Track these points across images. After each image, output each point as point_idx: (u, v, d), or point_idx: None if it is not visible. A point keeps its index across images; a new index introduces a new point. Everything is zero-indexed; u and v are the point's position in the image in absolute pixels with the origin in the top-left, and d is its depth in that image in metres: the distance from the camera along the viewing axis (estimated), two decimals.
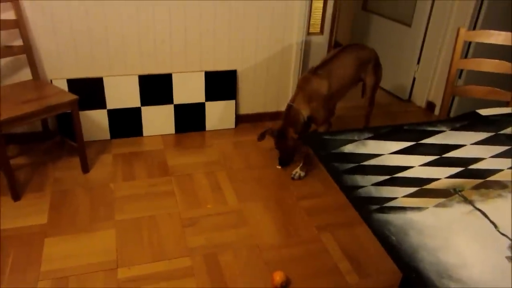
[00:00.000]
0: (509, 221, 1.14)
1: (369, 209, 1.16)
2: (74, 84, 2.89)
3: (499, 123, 1.67)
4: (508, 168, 1.38)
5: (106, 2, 2.75)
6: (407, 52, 4.03)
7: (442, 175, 1.33)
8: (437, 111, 3.87)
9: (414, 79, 4.07)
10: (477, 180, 1.32)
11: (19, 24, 2.57)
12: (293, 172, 2.82)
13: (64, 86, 2.87)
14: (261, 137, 2.80)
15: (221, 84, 3.23)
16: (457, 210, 1.18)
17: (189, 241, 2.23)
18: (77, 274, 2.00)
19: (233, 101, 3.32)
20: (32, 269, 2.00)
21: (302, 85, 2.70)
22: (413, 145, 1.48)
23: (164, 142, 3.15)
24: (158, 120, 3.19)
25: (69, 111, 2.50)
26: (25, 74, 2.77)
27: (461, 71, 3.54)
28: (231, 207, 2.51)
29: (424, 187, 1.27)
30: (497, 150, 1.48)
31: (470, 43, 3.42)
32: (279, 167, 2.92)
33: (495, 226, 1.13)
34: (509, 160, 1.43)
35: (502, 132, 1.61)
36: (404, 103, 4.12)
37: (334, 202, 2.60)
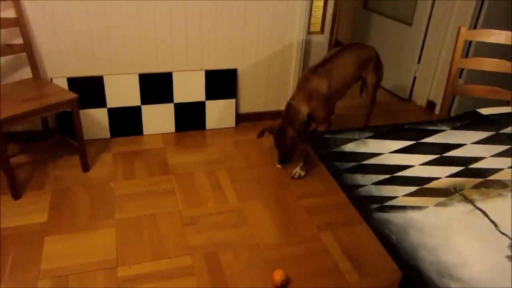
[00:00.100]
0: (509, 220, 1.14)
1: (369, 208, 1.16)
2: (74, 83, 2.89)
3: (500, 122, 1.67)
4: (508, 167, 1.38)
5: (107, 2, 2.75)
6: (408, 51, 4.03)
7: (442, 174, 1.33)
8: (437, 110, 3.87)
9: (414, 78, 4.07)
10: (477, 179, 1.32)
11: (20, 22, 2.56)
12: (293, 172, 2.82)
13: (64, 85, 2.87)
14: (260, 134, 2.80)
15: (222, 83, 3.22)
16: (458, 209, 1.18)
17: (190, 240, 2.23)
18: (77, 272, 2.00)
19: (233, 100, 3.32)
20: (32, 268, 2.01)
21: (302, 83, 2.70)
22: (414, 144, 1.48)
23: (164, 141, 3.15)
24: (158, 119, 3.19)
25: (69, 109, 2.50)
26: (26, 73, 2.77)
27: (462, 70, 3.54)
28: (231, 206, 2.51)
29: (425, 186, 1.27)
30: (498, 149, 1.48)
31: (470, 42, 3.42)
32: (279, 166, 2.92)
33: (495, 225, 1.12)
34: (509, 159, 1.43)
35: (502, 131, 1.61)
36: (404, 102, 4.12)
37: (334, 201, 2.60)
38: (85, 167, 2.73)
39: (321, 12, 3.72)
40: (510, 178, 1.33)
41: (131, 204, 2.47)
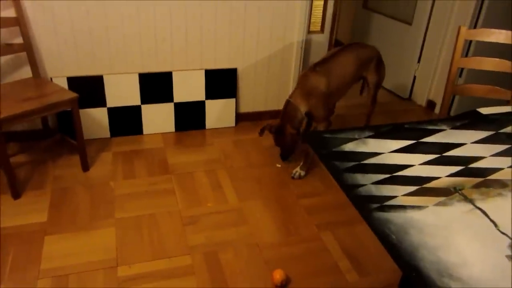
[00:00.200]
0: (509, 220, 1.14)
1: (369, 207, 1.16)
2: (74, 82, 2.89)
3: (500, 122, 1.67)
4: (508, 167, 1.38)
5: (107, 2, 2.74)
6: (408, 51, 4.03)
7: (442, 173, 1.33)
8: (437, 109, 3.87)
9: (414, 77, 4.06)
10: (477, 178, 1.32)
11: (20, 22, 2.56)
12: (293, 172, 2.82)
13: (64, 84, 2.87)
14: (261, 132, 2.81)
15: (222, 82, 3.22)
16: (458, 209, 1.18)
17: (190, 239, 2.23)
18: (77, 272, 2.00)
19: (233, 100, 3.31)
20: (32, 267, 2.01)
21: (301, 81, 2.71)
22: (414, 143, 1.48)
23: (164, 140, 3.15)
24: (158, 118, 3.19)
25: (69, 109, 2.50)
26: (26, 72, 2.77)
27: (462, 69, 3.54)
28: (231, 205, 2.51)
29: (425, 185, 1.27)
30: (498, 149, 1.48)
31: (470, 42, 3.42)
32: (279, 165, 2.92)
33: (495, 225, 1.12)
34: (509, 159, 1.43)
35: (502, 130, 1.61)
36: (404, 102, 4.12)
37: (334, 201, 2.60)
38: (85, 167, 2.73)
39: (321, 11, 3.72)
40: (510, 178, 1.33)
41: (131, 203, 2.47)
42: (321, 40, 3.68)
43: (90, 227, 2.27)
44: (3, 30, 2.61)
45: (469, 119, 1.67)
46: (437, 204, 1.19)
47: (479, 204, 1.20)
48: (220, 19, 3.03)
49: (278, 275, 1.97)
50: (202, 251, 2.16)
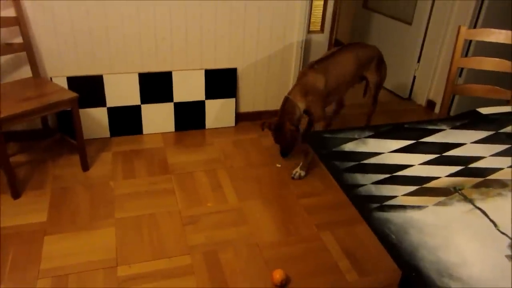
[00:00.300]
0: (509, 220, 1.14)
1: (369, 207, 1.16)
2: (74, 82, 2.89)
3: (499, 121, 1.67)
4: (508, 167, 1.38)
5: (107, 2, 2.74)
6: (408, 51, 4.03)
7: (442, 173, 1.33)
8: (437, 109, 3.87)
9: (414, 77, 4.06)
10: (477, 178, 1.32)
11: (20, 21, 2.56)
12: (293, 172, 2.82)
13: (64, 84, 2.87)
14: (262, 126, 2.82)
15: (221, 82, 3.22)
16: (457, 209, 1.18)
17: (189, 239, 2.23)
18: (77, 272, 2.00)
19: (233, 99, 3.31)
20: (32, 267, 2.01)
21: (300, 78, 2.73)
22: (414, 143, 1.48)
23: (164, 140, 3.15)
24: (158, 118, 3.19)
25: (69, 108, 2.50)
26: (25, 72, 2.77)
27: (462, 69, 3.54)
28: (231, 205, 2.51)
29: (424, 185, 1.27)
30: (497, 149, 1.48)
31: (470, 41, 3.42)
32: (279, 165, 2.92)
33: (495, 225, 1.12)
34: (509, 158, 1.43)
35: (502, 130, 1.61)
36: (404, 102, 4.12)
37: (334, 201, 2.60)
38: (85, 166, 2.73)
39: (321, 11, 3.72)
40: (509, 178, 1.33)
41: (130, 203, 2.47)
42: (321, 40, 3.68)
43: (90, 227, 2.27)
44: (3, 29, 2.61)
45: (469, 119, 1.67)
46: (437, 204, 1.19)
47: (478, 204, 1.20)
48: (220, 19, 3.03)
49: (278, 275, 1.97)
50: (202, 251, 2.16)
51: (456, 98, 3.69)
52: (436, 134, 1.54)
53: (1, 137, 2.25)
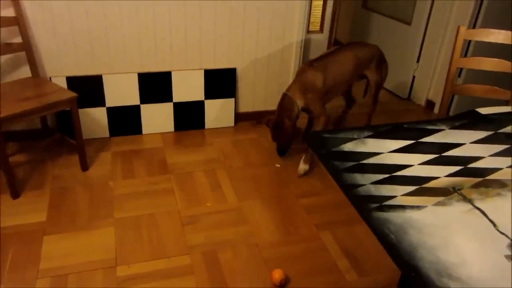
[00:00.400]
0: (508, 220, 1.15)
1: (368, 207, 1.16)
2: (73, 82, 2.89)
3: (499, 121, 1.67)
4: (507, 167, 1.39)
5: (106, 2, 2.74)
6: (407, 51, 4.03)
7: (441, 173, 1.33)
8: (436, 109, 3.87)
9: (413, 77, 4.07)
10: (476, 178, 1.32)
11: (19, 21, 2.56)
12: (298, 169, 2.83)
13: (64, 84, 2.87)
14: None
15: (221, 82, 3.22)
16: (456, 209, 1.18)
17: (189, 239, 2.23)
18: (76, 272, 2.00)
19: (232, 99, 3.31)
20: (31, 267, 2.00)
21: (298, 75, 2.74)
22: (413, 143, 1.48)
23: (163, 140, 3.15)
24: (157, 118, 3.19)
25: (69, 108, 2.50)
26: (25, 72, 2.77)
27: (461, 69, 3.54)
28: (230, 205, 2.51)
29: (424, 185, 1.27)
30: (497, 149, 1.49)
31: (469, 41, 3.42)
32: (279, 165, 2.93)
33: (494, 225, 1.13)
34: (508, 158, 1.43)
35: (501, 130, 1.61)
36: (403, 102, 4.12)
37: (333, 200, 2.60)
38: (84, 166, 2.73)
39: (321, 11, 3.72)
40: (509, 178, 1.33)
41: (130, 203, 2.47)
42: (321, 40, 3.68)
43: (89, 227, 2.27)
44: (2, 29, 2.61)
45: (468, 119, 1.67)
46: (436, 204, 1.19)
47: (478, 204, 1.20)
48: (219, 19, 3.03)
49: (277, 275, 1.97)
50: (201, 250, 2.16)
51: (456, 98, 3.70)
52: (435, 134, 1.55)
53: (1, 137, 2.24)
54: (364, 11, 4.57)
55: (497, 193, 1.26)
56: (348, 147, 1.43)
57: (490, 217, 1.15)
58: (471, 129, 1.60)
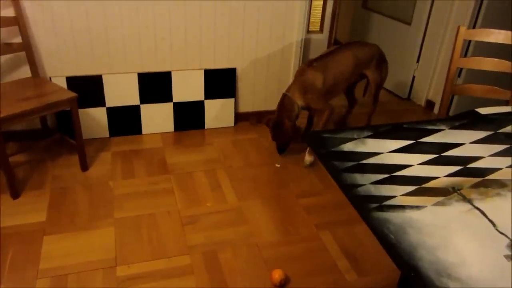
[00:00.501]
0: (508, 220, 1.15)
1: (368, 207, 1.16)
2: (73, 82, 2.89)
3: (498, 121, 1.67)
4: (507, 167, 1.39)
5: (106, 2, 2.74)
6: (407, 51, 4.03)
7: (441, 173, 1.33)
8: (436, 109, 3.87)
9: (413, 77, 4.07)
10: (476, 178, 1.32)
11: (19, 21, 2.56)
12: (304, 160, 2.87)
13: (64, 84, 2.87)
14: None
15: (221, 82, 3.22)
16: (456, 209, 1.18)
17: (189, 239, 2.23)
18: (76, 272, 2.00)
19: (232, 99, 3.31)
20: (31, 267, 2.00)
21: (298, 76, 2.74)
22: (413, 143, 1.48)
23: (163, 140, 3.15)
24: (157, 118, 3.19)
25: (68, 108, 2.50)
26: (25, 72, 2.77)
27: (461, 69, 3.54)
28: (230, 205, 2.51)
29: (423, 185, 1.27)
30: (496, 149, 1.49)
31: (469, 41, 3.42)
32: (278, 165, 2.93)
33: (494, 224, 1.13)
34: (508, 158, 1.43)
35: (501, 130, 1.61)
36: (403, 102, 4.12)
37: (333, 201, 2.60)
38: (84, 166, 2.73)
39: (320, 11, 3.72)
40: (508, 178, 1.33)
41: (130, 203, 2.47)
42: (321, 40, 3.68)
43: (89, 227, 2.27)
44: (2, 29, 2.61)
45: (468, 119, 1.67)
46: (436, 204, 1.19)
47: (477, 204, 1.20)
48: (219, 19, 3.03)
49: (277, 275, 1.97)
50: (201, 250, 2.16)
51: (455, 98, 3.70)
52: (435, 134, 1.55)
53: (1, 137, 2.24)
54: (364, 11, 4.57)
55: (496, 193, 1.26)
56: (348, 147, 1.43)
57: (490, 217, 1.15)
58: (470, 129, 1.60)
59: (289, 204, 2.55)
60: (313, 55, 3.67)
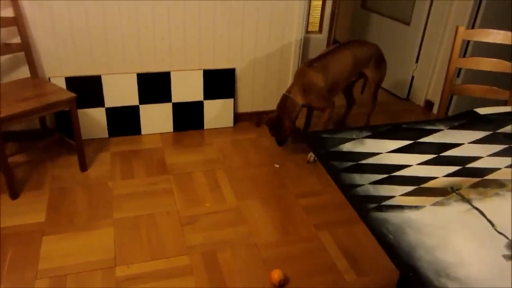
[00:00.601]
0: (507, 220, 1.15)
1: (367, 207, 1.16)
2: (72, 82, 2.88)
3: (497, 122, 1.67)
4: (505, 167, 1.39)
5: (105, 2, 2.74)
6: (406, 51, 4.03)
7: (440, 173, 1.33)
8: (435, 109, 3.88)
9: (412, 77, 4.07)
10: (474, 178, 1.32)
11: (18, 21, 2.56)
12: (308, 156, 2.90)
13: (63, 84, 2.87)
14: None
15: (220, 83, 3.22)
16: (455, 209, 1.18)
17: (188, 239, 2.23)
18: (75, 272, 2.00)
19: (231, 100, 3.31)
20: (30, 267, 2.00)
21: (298, 77, 2.75)
22: (411, 143, 1.48)
23: (162, 141, 3.15)
24: (156, 118, 3.19)
25: (68, 109, 2.50)
26: (24, 72, 2.77)
27: (460, 70, 3.54)
28: (229, 205, 2.51)
29: (422, 185, 1.27)
30: (495, 149, 1.49)
31: (468, 42, 3.43)
32: (278, 165, 2.93)
33: (492, 224, 1.13)
34: (506, 158, 1.43)
35: (500, 131, 1.61)
36: (402, 102, 4.12)
37: (332, 201, 2.60)
38: (83, 167, 2.73)
39: (320, 11, 3.72)
40: (507, 178, 1.33)
41: (129, 203, 2.47)
42: (320, 41, 3.68)
43: (88, 227, 2.27)
44: (1, 30, 2.61)
45: (467, 119, 1.67)
46: (435, 204, 1.19)
47: (476, 204, 1.20)
48: (218, 19, 3.03)
49: (276, 275, 1.97)
50: (200, 251, 2.16)
51: (454, 98, 3.70)
52: (434, 134, 1.55)
53: (0, 137, 2.25)
54: (363, 11, 4.57)
55: (495, 193, 1.26)
56: (347, 147, 1.43)
57: (489, 217, 1.15)
58: (469, 129, 1.60)
59: (288, 204, 2.55)
60: (312, 55, 3.67)
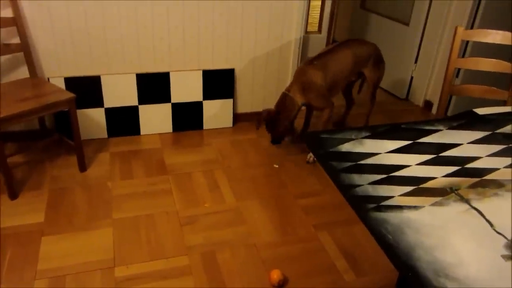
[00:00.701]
0: (505, 220, 1.15)
1: (366, 207, 1.16)
2: (71, 82, 2.88)
3: (496, 122, 1.67)
4: (504, 167, 1.39)
5: (104, 2, 2.74)
6: (405, 51, 4.03)
7: (438, 174, 1.33)
8: (434, 110, 3.88)
9: (411, 78, 4.07)
10: (473, 179, 1.32)
11: (17, 22, 2.56)
12: (308, 156, 2.90)
13: (62, 84, 2.86)
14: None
15: (219, 83, 3.22)
16: (454, 209, 1.18)
17: (187, 240, 2.23)
18: (74, 272, 1.99)
19: (230, 100, 3.31)
20: (29, 268, 2.00)
21: (298, 75, 2.75)
22: (410, 144, 1.48)
23: (161, 141, 3.15)
24: (155, 119, 3.19)
25: (67, 109, 2.50)
26: (23, 72, 2.77)
27: (459, 70, 3.54)
28: (228, 205, 2.51)
29: (421, 186, 1.27)
30: (494, 149, 1.49)
31: (467, 42, 3.43)
32: (277, 166, 2.93)
33: (491, 225, 1.13)
34: (505, 159, 1.44)
35: (499, 131, 1.61)
36: (401, 102, 4.13)
37: (331, 201, 2.60)
38: (82, 167, 2.73)
39: (319, 11, 3.73)
40: (506, 178, 1.33)
41: (128, 204, 2.47)
42: (319, 41, 3.68)
43: (87, 228, 2.27)
44: (1, 30, 2.60)
45: (466, 120, 1.67)
46: (434, 204, 1.19)
47: (475, 204, 1.20)
48: (217, 19, 3.03)
49: (275, 275, 1.97)
50: (199, 251, 2.16)
51: (453, 98, 3.70)
52: (433, 135, 1.55)
53: None
54: (362, 12, 4.58)
55: (494, 193, 1.26)
56: (346, 147, 1.43)
57: (487, 217, 1.15)
58: (468, 130, 1.60)
59: (287, 205, 2.55)
60: (311, 55, 3.67)
